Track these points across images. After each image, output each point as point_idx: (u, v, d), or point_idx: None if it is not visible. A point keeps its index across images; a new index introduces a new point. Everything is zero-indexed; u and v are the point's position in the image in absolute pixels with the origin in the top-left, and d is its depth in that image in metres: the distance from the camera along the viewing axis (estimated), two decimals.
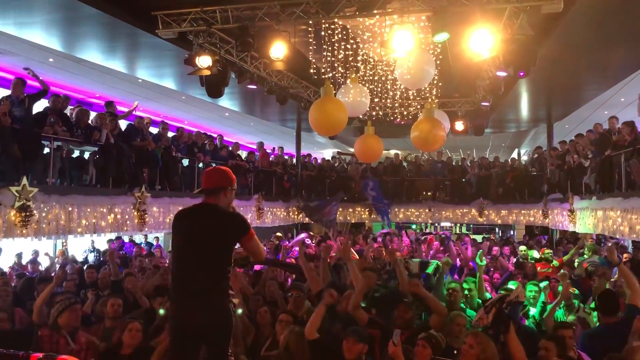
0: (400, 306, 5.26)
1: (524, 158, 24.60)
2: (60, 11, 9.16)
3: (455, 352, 4.59)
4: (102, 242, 13.56)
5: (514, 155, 26.97)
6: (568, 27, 9.34)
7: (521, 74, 8.87)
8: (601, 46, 10.44)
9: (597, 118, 15.49)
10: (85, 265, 10.04)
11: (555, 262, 9.69)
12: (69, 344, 4.90)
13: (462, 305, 6.07)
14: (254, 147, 18.58)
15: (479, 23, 7.90)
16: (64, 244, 13.42)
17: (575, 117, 17.34)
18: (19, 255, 11.18)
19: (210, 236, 3.58)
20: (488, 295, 6.85)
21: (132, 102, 11.75)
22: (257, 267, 8.07)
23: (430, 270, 7.67)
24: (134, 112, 12.02)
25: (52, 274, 8.37)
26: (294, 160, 19.61)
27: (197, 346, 3.62)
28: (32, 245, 11.86)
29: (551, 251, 10.51)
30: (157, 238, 15.78)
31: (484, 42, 7.93)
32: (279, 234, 15.44)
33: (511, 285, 6.57)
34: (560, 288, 6.38)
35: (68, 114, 10.00)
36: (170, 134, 12.56)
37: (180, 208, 12.04)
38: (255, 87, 11.85)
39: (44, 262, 11.29)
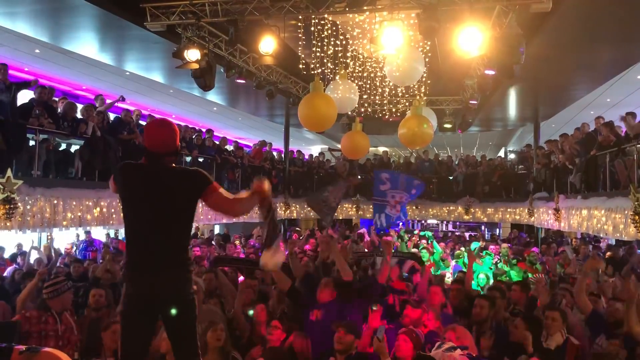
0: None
1: (511, 157, 24.79)
2: (46, 2, 9.05)
3: None
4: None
5: (501, 153, 27.19)
6: (556, 27, 9.40)
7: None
8: (588, 46, 10.53)
9: (583, 118, 15.62)
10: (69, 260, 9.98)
11: (538, 266, 9.79)
12: (57, 322, 4.95)
13: None
14: (244, 142, 18.51)
15: (468, 21, 7.93)
16: (49, 237, 13.29)
17: (562, 117, 17.50)
18: (1, 249, 11.05)
19: (174, 199, 3.28)
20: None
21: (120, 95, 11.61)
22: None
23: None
24: (118, 105, 11.84)
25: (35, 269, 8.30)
26: (282, 155, 19.60)
27: (154, 321, 3.37)
28: (15, 238, 11.74)
29: (536, 252, 10.60)
30: None
31: (472, 41, 7.95)
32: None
33: None
34: None
35: (54, 106, 9.89)
36: None
37: None
38: (244, 81, 11.76)
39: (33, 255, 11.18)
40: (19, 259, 10.39)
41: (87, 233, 12.76)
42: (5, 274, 9.02)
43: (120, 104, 11.95)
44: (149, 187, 3.30)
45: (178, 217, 3.31)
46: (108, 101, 11.58)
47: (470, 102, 13.66)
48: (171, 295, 3.26)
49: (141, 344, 3.31)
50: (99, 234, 13.76)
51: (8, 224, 7.79)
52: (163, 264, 3.25)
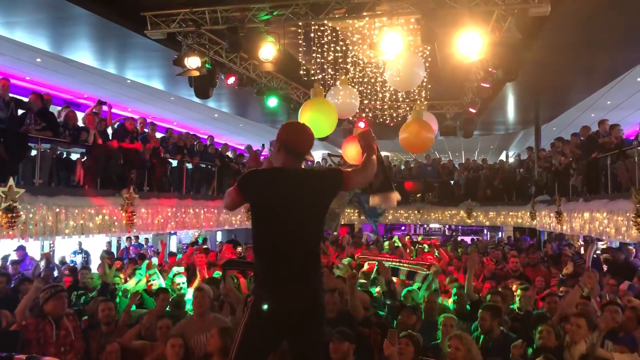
0: (404, 311, 5.32)
1: (512, 160, 24.80)
2: (47, 11, 9.10)
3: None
4: (89, 243, 13.47)
5: (502, 157, 27.17)
6: (555, 30, 9.43)
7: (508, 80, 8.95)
8: (588, 49, 10.55)
9: (584, 121, 15.64)
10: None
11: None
12: (55, 329, 4.93)
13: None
14: (244, 148, 18.53)
15: (467, 25, 7.95)
16: (52, 245, 13.31)
17: (563, 119, 17.51)
18: (4, 258, 11.02)
19: (316, 202, 3.11)
20: None
21: (122, 104, 11.58)
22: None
23: (418, 280, 7.69)
24: (102, 108, 11.53)
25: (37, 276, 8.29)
26: None
27: (281, 340, 3.15)
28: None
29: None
30: (146, 239, 15.72)
31: (472, 45, 7.98)
32: None
33: None
34: None
35: (52, 113, 9.82)
36: (158, 135, 12.50)
37: (168, 209, 11.80)
38: (234, 80, 11.40)
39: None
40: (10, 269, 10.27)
41: (21, 249, 10.78)
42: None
43: (118, 111, 11.90)
44: (291, 191, 3.09)
45: (317, 222, 3.16)
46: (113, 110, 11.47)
47: (470, 109, 13.64)
48: (306, 310, 3.05)
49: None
50: (90, 243, 13.66)
51: (10, 232, 7.80)
52: (302, 276, 3.06)
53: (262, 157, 18.12)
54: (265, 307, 3.01)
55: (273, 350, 3.21)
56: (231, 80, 10.81)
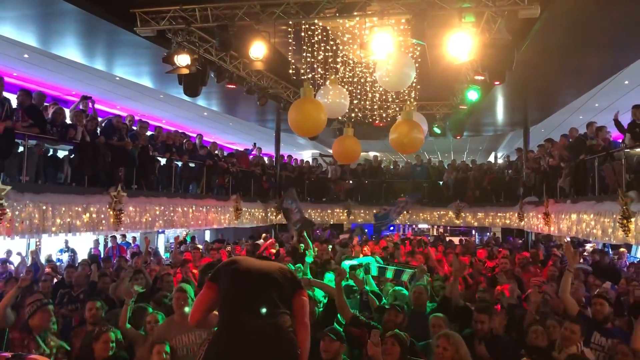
0: (390, 310, 5.32)
1: (500, 161, 24.93)
2: (35, 6, 9.01)
3: None
4: (76, 242, 13.38)
5: (491, 158, 27.31)
6: (544, 32, 9.48)
7: (496, 82, 9.04)
8: (576, 52, 10.62)
9: (572, 123, 15.76)
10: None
11: None
12: (39, 347, 4.88)
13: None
14: (233, 147, 18.47)
15: (457, 27, 7.97)
16: (38, 243, 13.20)
17: (551, 121, 17.63)
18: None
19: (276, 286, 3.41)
20: None
21: (110, 101, 11.47)
22: None
23: (405, 277, 7.69)
24: (85, 104, 11.41)
25: (20, 275, 8.23)
26: (273, 160, 19.58)
27: None
28: (4, 245, 11.66)
29: None
30: (134, 237, 15.62)
31: (462, 46, 8.00)
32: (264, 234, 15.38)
33: None
34: None
35: (40, 110, 9.72)
36: (147, 133, 12.42)
37: (156, 208, 11.73)
38: (234, 86, 11.77)
39: (16, 262, 11.10)
40: None
41: None
42: None
43: (106, 109, 11.83)
44: (253, 277, 3.40)
45: (276, 293, 3.39)
46: (99, 107, 11.37)
47: (460, 107, 13.73)
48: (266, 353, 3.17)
49: None
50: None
51: None
52: (264, 321, 3.21)
53: (251, 157, 18.10)
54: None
55: None
56: None
